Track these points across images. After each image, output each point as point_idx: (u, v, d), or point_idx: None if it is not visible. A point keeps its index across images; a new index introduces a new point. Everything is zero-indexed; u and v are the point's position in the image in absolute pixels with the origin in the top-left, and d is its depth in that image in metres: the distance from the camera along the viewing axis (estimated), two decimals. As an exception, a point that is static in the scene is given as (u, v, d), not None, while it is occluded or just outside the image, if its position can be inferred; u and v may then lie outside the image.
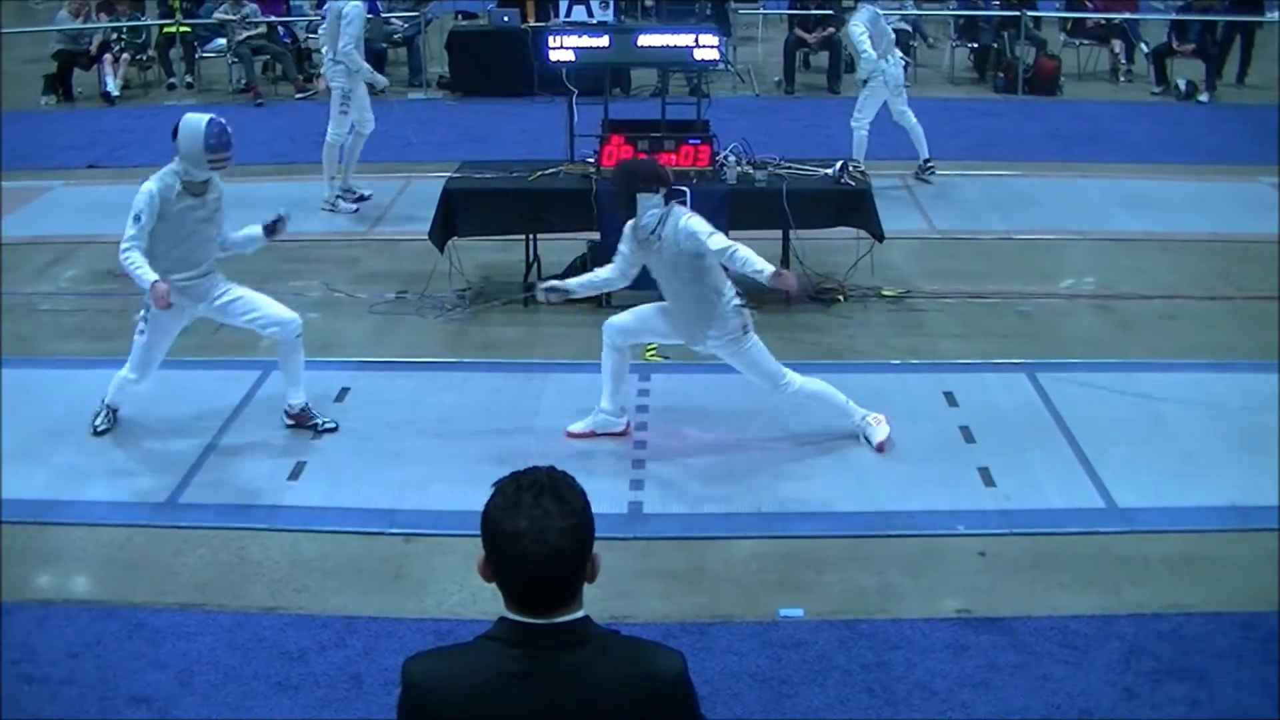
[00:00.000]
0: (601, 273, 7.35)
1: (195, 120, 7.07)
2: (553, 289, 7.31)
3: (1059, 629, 5.77)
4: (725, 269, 7.06)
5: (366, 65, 11.42)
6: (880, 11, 12.12)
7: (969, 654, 5.62)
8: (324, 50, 11.61)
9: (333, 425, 7.61)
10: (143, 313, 7.23)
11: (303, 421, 7.58)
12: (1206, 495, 6.86)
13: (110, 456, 7.38)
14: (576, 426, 7.50)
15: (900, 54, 12.34)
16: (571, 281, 7.40)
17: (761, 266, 6.79)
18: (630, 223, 7.11)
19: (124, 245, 6.99)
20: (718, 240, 6.84)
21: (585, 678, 2.64)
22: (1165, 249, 10.66)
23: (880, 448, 7.27)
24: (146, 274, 6.92)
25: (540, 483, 2.66)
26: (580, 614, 2.68)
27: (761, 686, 5.43)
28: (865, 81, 11.99)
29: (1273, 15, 17.16)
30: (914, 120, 12.14)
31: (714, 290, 7.03)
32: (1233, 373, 8.17)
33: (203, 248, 7.27)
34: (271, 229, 7.42)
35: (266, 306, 7.47)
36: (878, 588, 6.13)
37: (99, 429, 7.53)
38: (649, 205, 6.94)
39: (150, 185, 7.05)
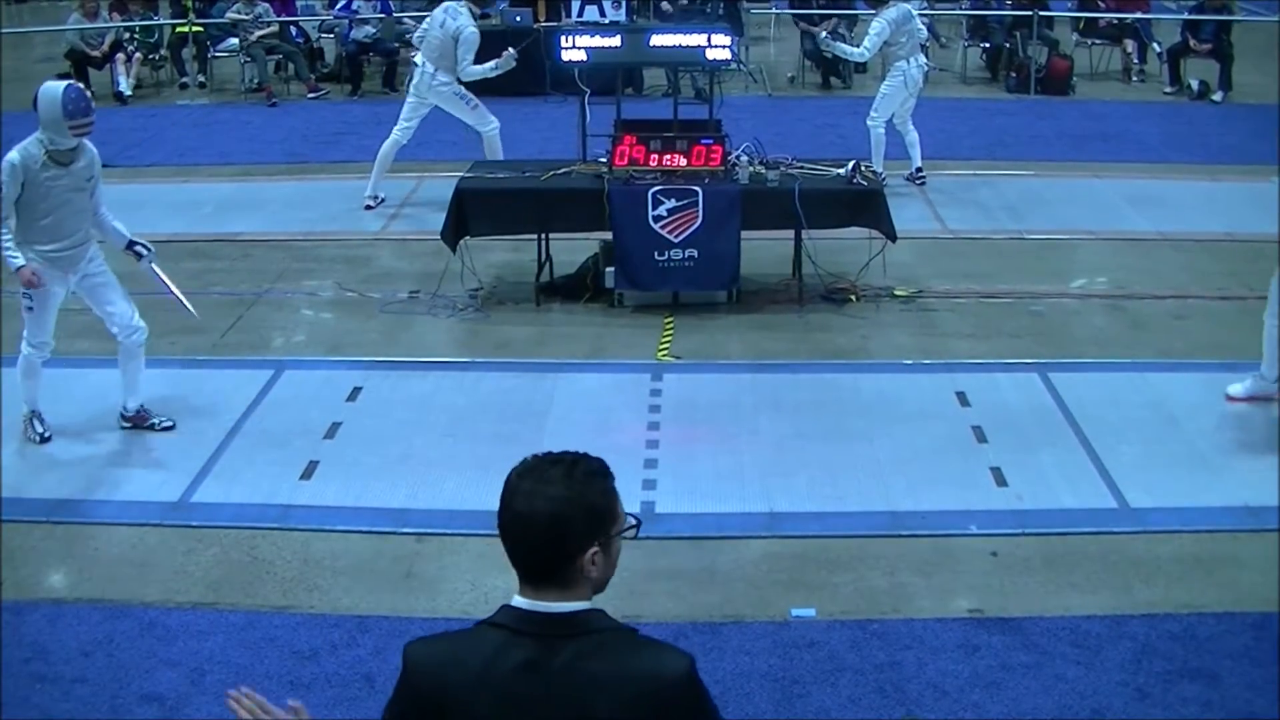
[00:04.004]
0: None
1: (53, 88, 6.96)
2: None
3: (1071, 629, 5.76)
4: None
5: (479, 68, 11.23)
6: (915, 12, 11.83)
7: (981, 654, 5.61)
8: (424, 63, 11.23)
9: (170, 424, 7.57)
10: (24, 289, 7.12)
11: (140, 423, 7.54)
12: (1219, 495, 6.85)
13: (122, 456, 7.40)
14: (1236, 389, 7.85)
15: (925, 59, 12.04)
16: None
17: None
18: None
19: None
20: None
21: (582, 670, 2.62)
22: (1177, 249, 10.63)
23: None
24: (14, 257, 6.93)
25: (562, 457, 2.72)
26: (584, 605, 2.68)
27: (773, 686, 5.43)
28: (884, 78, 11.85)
29: (1272, 16, 17.10)
30: (912, 128, 11.98)
31: None
32: (1245, 373, 8.13)
33: (73, 219, 7.13)
34: (130, 248, 7.47)
35: (124, 306, 7.39)
36: (889, 588, 6.13)
37: (45, 437, 7.40)
38: None
39: (12, 155, 6.93)
